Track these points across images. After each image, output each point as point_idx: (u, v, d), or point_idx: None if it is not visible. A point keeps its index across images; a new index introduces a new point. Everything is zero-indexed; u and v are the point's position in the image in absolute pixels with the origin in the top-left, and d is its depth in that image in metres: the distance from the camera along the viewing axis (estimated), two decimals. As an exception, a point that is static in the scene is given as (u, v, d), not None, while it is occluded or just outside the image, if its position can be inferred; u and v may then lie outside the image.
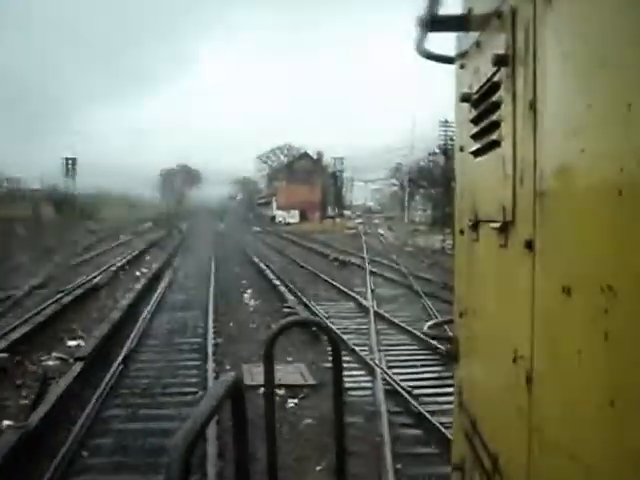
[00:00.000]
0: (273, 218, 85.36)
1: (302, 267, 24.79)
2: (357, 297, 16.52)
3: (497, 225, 1.63)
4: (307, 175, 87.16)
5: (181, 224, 70.85)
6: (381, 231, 57.04)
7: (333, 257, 28.68)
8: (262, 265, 24.31)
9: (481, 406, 1.93)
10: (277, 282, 18.98)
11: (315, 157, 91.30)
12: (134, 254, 29.95)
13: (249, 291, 18.40)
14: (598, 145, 1.05)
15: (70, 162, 72.23)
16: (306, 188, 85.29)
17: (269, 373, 2.38)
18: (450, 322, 2.57)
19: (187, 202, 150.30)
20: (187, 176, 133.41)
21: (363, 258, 29.74)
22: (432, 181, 55.45)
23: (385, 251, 35.83)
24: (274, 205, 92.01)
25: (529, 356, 1.38)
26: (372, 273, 22.24)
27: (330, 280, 19.76)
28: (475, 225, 1.96)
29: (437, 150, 53.39)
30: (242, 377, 3.06)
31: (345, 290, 17.87)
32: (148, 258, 29.43)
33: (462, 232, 2.23)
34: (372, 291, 18.06)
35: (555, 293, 1.19)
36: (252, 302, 16.74)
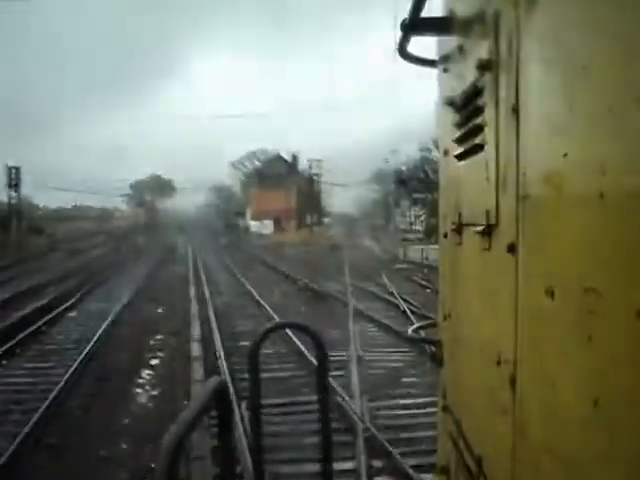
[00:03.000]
0: (247, 229, 76.91)
1: (257, 304, 19.28)
2: (337, 378, 9.71)
3: (480, 229, 1.68)
4: (281, 180, 78.44)
5: (140, 238, 66.38)
6: (365, 242, 52.51)
7: (304, 284, 20.83)
8: (204, 296, 20.33)
9: (466, 408, 1.98)
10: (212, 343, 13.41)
11: (289, 160, 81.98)
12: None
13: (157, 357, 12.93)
14: (580, 149, 1.10)
15: (13, 171, 63.23)
16: (280, 195, 77.66)
17: (255, 384, 2.39)
18: (434, 325, 2.61)
19: (160, 214, 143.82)
20: (158, 187, 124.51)
21: (345, 283, 21.97)
22: (426, 182, 47.90)
23: (372, 270, 27.89)
24: (248, 215, 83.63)
25: (513, 358, 1.42)
26: (358, 314, 15.85)
27: (295, 333, 12.90)
28: (459, 229, 2.02)
29: (432, 146, 45.70)
30: (226, 382, 2.90)
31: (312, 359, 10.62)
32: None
33: (446, 236, 2.28)
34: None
35: (538, 296, 1.24)
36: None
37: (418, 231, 55.80)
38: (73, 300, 19.68)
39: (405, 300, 17.68)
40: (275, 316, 14.94)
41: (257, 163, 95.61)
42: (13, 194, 66.41)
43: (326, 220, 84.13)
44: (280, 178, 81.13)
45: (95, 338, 13.43)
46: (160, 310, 18.53)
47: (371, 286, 22.53)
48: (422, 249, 34.66)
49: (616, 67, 0.97)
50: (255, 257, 38.80)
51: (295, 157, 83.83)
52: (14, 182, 65.82)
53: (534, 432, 1.31)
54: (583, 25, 1.10)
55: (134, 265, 32.88)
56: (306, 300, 19.37)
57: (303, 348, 11.52)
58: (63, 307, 18.16)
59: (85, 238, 63.44)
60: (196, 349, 12.22)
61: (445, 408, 2.29)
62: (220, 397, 1.62)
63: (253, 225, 79.23)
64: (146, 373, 11.46)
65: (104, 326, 14.83)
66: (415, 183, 54.95)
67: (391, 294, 20.07)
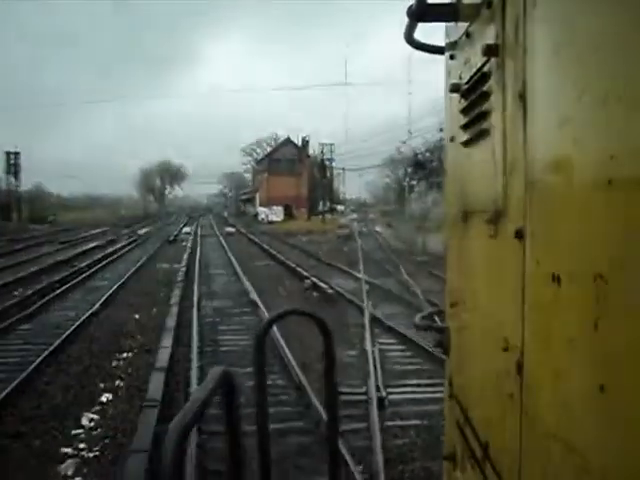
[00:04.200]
0: (256, 215, 73.54)
1: (254, 307, 16.00)
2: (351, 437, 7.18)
3: (487, 215, 1.70)
4: (291, 165, 75.73)
5: (146, 226, 64.96)
6: (379, 229, 50.01)
7: (311, 283, 17.58)
8: (193, 297, 17.26)
9: (472, 396, 2.02)
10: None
11: (300, 144, 78.13)
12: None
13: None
14: (587, 134, 1.11)
15: (13, 157, 60.50)
16: (291, 180, 74.51)
17: (261, 372, 2.32)
18: (441, 313, 2.67)
19: (170, 201, 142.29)
20: (168, 173, 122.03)
21: (358, 280, 18.82)
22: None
23: (389, 263, 24.64)
24: (257, 201, 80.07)
25: (520, 345, 1.44)
26: (376, 324, 13.60)
27: (294, 355, 10.41)
28: (465, 215, 2.04)
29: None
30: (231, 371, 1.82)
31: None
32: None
33: (453, 223, 2.30)
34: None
35: (545, 282, 1.25)
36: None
37: (435, 218, 52.30)
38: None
39: (432, 303, 14.38)
40: (276, 331, 11.58)
41: (268, 149, 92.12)
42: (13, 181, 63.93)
43: (339, 207, 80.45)
44: (290, 163, 77.73)
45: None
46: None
47: (389, 284, 19.34)
48: (437, 239, 31.39)
49: (624, 51, 0.98)
50: (261, 248, 35.25)
51: (306, 141, 79.90)
52: (13, 169, 63.28)
53: (540, 418, 1.32)
54: (590, 9, 1.11)
55: (116, 265, 27.23)
56: (314, 303, 16.11)
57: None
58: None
59: (87, 227, 61.70)
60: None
61: (452, 395, 2.31)
62: (226, 386, 1.63)
63: (262, 212, 75.72)
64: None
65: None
66: (434, 165, 51.56)
67: (414, 295, 16.82)
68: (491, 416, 1.72)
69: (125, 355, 11.72)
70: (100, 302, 16.61)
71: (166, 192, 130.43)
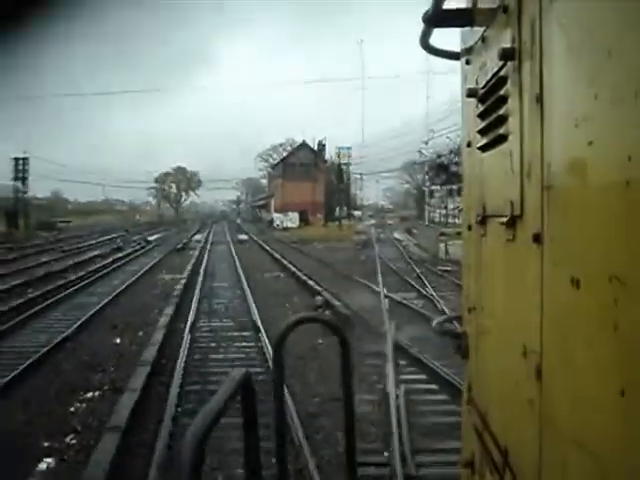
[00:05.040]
0: (271, 222, 71.44)
1: (252, 337, 13.80)
2: None
3: (505, 219, 1.71)
4: (307, 170, 73.14)
5: (158, 233, 64.00)
6: (398, 236, 48.17)
7: (323, 300, 15.47)
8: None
9: (491, 401, 2.02)
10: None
11: (316, 148, 75.66)
12: None
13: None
14: (605, 137, 1.11)
15: (21, 162, 59.02)
16: (306, 186, 72.46)
17: (279, 377, 2.36)
18: (459, 318, 2.65)
19: (187, 207, 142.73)
20: (184, 179, 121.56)
21: (377, 294, 16.68)
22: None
23: (411, 274, 22.41)
24: (272, 207, 77.94)
25: (539, 349, 1.45)
26: (400, 352, 11.45)
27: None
28: (483, 220, 2.06)
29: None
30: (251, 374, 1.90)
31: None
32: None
33: (470, 228, 2.34)
34: None
35: (564, 286, 1.25)
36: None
37: (456, 224, 49.82)
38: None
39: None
40: (268, 358, 9.25)
41: (284, 154, 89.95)
42: (21, 187, 62.62)
43: (356, 213, 78.07)
44: (306, 168, 75.34)
45: None
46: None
47: (413, 299, 17.09)
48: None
49: None
50: (272, 257, 33.08)
51: (322, 145, 77.46)
52: (21, 175, 61.90)
53: (560, 423, 1.32)
54: (607, 11, 1.12)
55: (113, 277, 25.19)
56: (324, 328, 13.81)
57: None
58: None
59: (98, 233, 61.31)
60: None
61: (470, 401, 2.32)
62: (245, 389, 1.64)
63: (277, 218, 73.52)
64: None
65: None
66: (458, 168, 49.05)
67: (441, 312, 14.43)
68: (510, 422, 1.74)
69: (90, 396, 9.51)
70: (80, 322, 14.50)
71: (182, 199, 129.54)
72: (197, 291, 20.22)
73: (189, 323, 14.75)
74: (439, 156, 52.32)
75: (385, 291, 18.24)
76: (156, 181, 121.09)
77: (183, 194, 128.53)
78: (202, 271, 26.51)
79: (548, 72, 1.37)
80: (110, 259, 32.03)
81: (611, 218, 1.07)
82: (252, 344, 12.73)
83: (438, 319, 2.90)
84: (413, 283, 21.07)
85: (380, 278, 21.08)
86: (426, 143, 55.31)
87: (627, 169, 1.00)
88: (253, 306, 16.83)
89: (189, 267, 27.53)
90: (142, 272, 26.02)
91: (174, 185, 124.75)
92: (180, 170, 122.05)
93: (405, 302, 16.92)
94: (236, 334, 13.99)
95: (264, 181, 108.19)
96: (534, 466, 1.45)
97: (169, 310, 16.10)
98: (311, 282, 20.56)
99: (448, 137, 48.70)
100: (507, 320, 1.76)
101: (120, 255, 35.01)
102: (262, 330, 13.37)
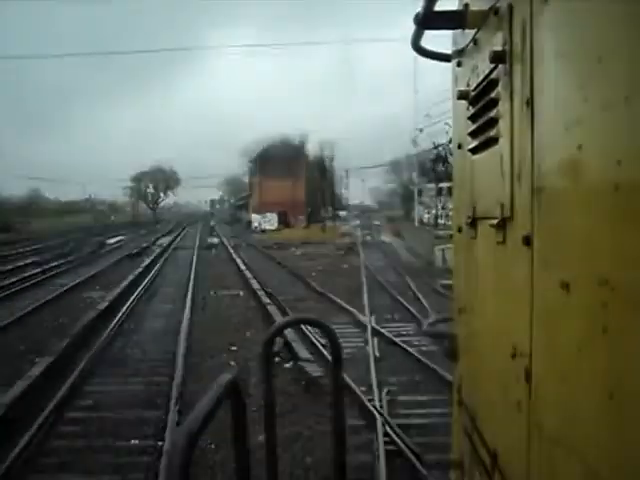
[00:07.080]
0: (249, 223, 66.25)
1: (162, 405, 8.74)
2: None
3: (495, 222, 1.76)
4: (287, 167, 67.32)
5: (124, 234, 59.69)
6: (386, 238, 43.41)
7: (282, 345, 9.89)
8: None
9: (480, 403, 2.06)
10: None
11: (297, 143, 70.42)
12: None
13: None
14: (595, 141, 1.15)
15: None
16: (286, 184, 66.82)
17: (268, 381, 2.37)
18: (449, 320, 2.69)
19: (167, 207, 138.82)
20: (163, 179, 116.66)
21: (362, 326, 11.23)
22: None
23: (405, 290, 18.40)
24: (251, 207, 72.74)
25: (528, 352, 1.48)
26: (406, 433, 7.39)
27: None
28: (473, 222, 2.10)
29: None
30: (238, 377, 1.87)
31: None
32: None
33: (460, 230, 2.37)
34: None
35: (553, 289, 1.29)
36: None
37: (447, 226, 45.08)
38: None
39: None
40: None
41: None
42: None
43: (342, 213, 73.13)
44: (286, 164, 69.67)
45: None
46: None
47: (411, 331, 12.21)
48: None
49: (631, 57, 1.02)
50: (238, 267, 27.82)
51: (303, 139, 72.30)
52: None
53: (549, 426, 1.36)
54: (597, 15, 1.15)
55: (21, 296, 18.96)
56: (282, 402, 8.79)
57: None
58: None
59: (56, 235, 57.67)
60: None
61: (460, 402, 2.36)
62: (233, 392, 1.66)
63: (255, 219, 68.44)
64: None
65: None
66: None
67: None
68: (500, 423, 1.78)
69: None
70: None
71: (159, 199, 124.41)
72: (118, 320, 14.88)
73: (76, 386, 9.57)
74: (436, 147, 47.31)
75: (373, 321, 13.36)
76: (132, 180, 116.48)
77: (161, 194, 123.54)
78: (141, 287, 21.06)
79: (539, 75, 1.43)
80: (44, 267, 26.83)
81: (601, 222, 1.12)
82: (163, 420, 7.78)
83: (429, 320, 3.05)
84: (410, 308, 16.05)
85: (366, 299, 16.22)
86: (421, 130, 50.25)
87: (616, 173, 1.03)
88: (183, 349, 11.85)
89: (129, 279, 22.23)
90: (68, 287, 20.79)
91: (151, 185, 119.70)
92: (158, 169, 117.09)
93: (401, 340, 12.02)
94: (146, 400, 8.94)
95: (245, 178, 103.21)
96: (523, 468, 1.50)
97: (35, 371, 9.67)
98: (273, 307, 15.62)
99: (447, 123, 43.42)
100: (497, 322, 1.82)
101: (60, 262, 29.82)
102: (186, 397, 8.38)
